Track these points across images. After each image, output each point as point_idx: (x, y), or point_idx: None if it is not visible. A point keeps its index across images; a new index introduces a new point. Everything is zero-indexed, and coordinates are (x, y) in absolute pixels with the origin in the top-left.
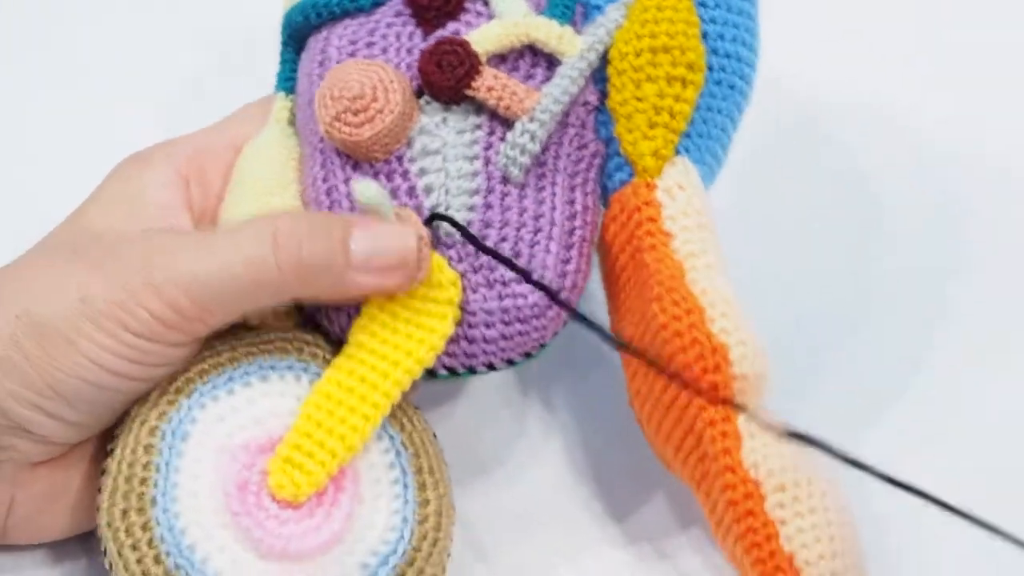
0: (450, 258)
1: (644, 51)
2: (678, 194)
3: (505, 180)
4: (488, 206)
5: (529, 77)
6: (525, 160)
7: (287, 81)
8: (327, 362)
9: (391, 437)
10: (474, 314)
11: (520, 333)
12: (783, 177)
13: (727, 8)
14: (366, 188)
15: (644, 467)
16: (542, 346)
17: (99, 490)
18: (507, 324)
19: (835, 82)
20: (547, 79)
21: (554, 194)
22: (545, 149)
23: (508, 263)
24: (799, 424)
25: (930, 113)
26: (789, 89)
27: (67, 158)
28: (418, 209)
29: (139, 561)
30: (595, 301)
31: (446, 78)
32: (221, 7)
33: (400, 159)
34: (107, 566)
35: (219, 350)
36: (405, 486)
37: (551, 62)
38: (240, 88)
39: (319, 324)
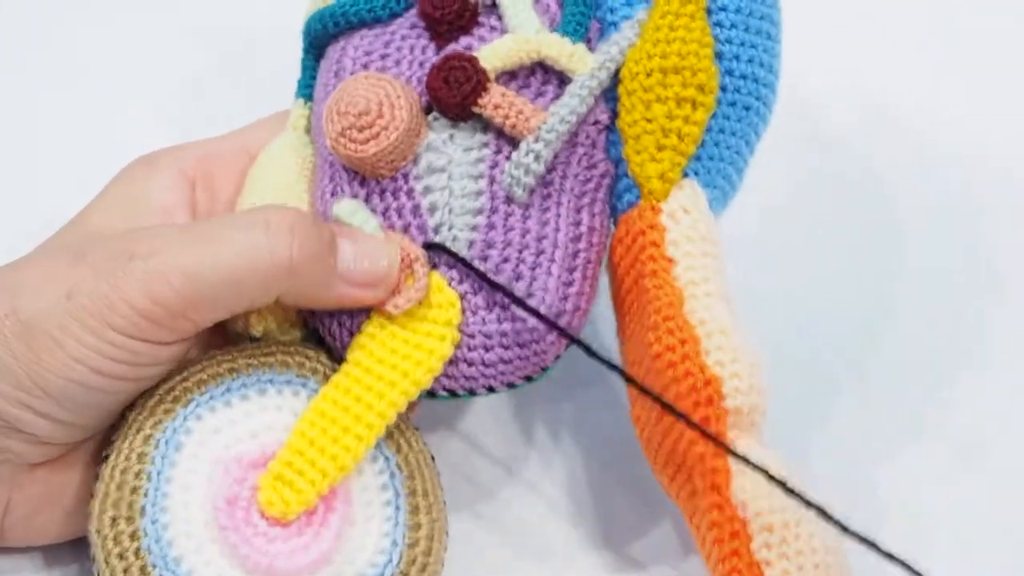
0: (451, 279)
1: (654, 71)
2: (683, 218)
3: (509, 200)
4: (491, 226)
5: (540, 94)
6: (529, 180)
7: (307, 88)
8: (327, 378)
9: (386, 458)
10: (473, 336)
11: (520, 357)
12: (790, 180)
13: (744, 28)
14: (344, 207)
15: (646, 490)
16: (544, 370)
17: (92, 495)
18: (506, 348)
19: (842, 85)
20: (558, 96)
21: (559, 215)
22: (552, 169)
23: (506, 292)
24: (807, 450)
25: (941, 114)
26: (797, 93)
27: (68, 159)
28: (421, 228)
29: (126, 571)
30: (604, 321)
31: (452, 94)
32: (221, 7)
33: (405, 176)
34: (95, 573)
35: (219, 360)
36: (397, 508)
37: (563, 79)
38: (240, 88)
39: (322, 339)
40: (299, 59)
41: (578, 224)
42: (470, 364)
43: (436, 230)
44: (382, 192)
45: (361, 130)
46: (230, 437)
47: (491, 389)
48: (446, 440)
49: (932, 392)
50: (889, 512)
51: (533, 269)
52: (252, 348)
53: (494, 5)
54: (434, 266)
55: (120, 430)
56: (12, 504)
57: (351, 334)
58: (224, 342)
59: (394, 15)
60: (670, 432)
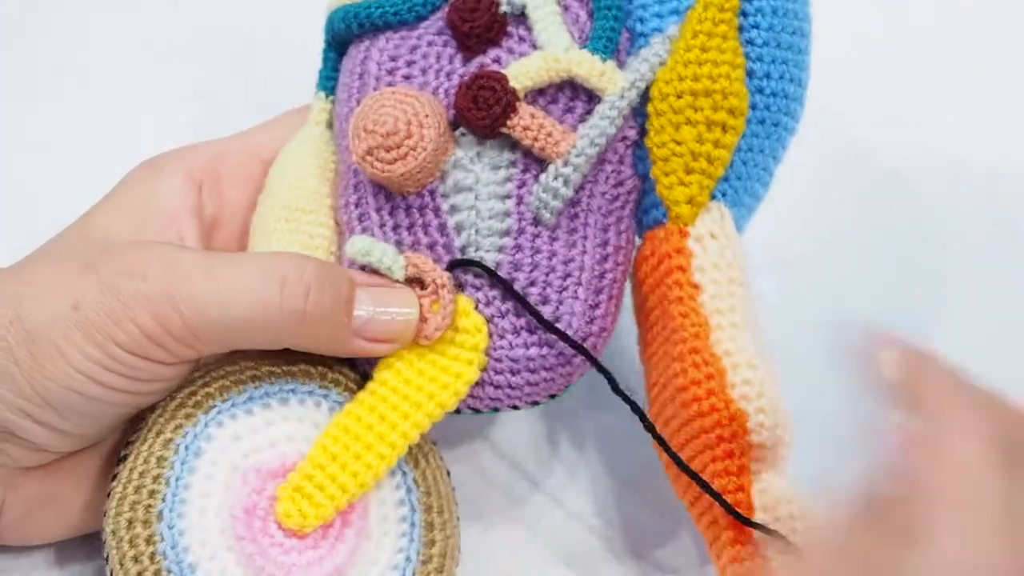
0: (477, 301)
1: (685, 93)
2: (710, 244)
3: (536, 222)
4: (518, 248)
5: (568, 111)
6: (558, 204)
7: (328, 80)
8: (349, 391)
9: (404, 473)
10: (500, 360)
11: (546, 380)
12: (829, 210)
13: (776, 45)
14: (358, 247)
15: (669, 502)
16: (567, 386)
17: (107, 495)
18: (533, 372)
19: (881, 116)
20: (587, 112)
21: (586, 237)
22: (579, 188)
23: (534, 313)
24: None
25: (982, 140)
26: (835, 123)
27: (68, 160)
28: (447, 247)
29: (139, 574)
30: (627, 334)
31: (481, 116)
32: (222, 7)
33: (432, 193)
34: (108, 573)
35: (242, 367)
36: (412, 524)
37: (592, 95)
38: (240, 88)
39: None
40: (305, 61)
41: (605, 244)
42: (497, 387)
43: (463, 251)
44: (408, 208)
45: (388, 150)
46: (250, 446)
47: (515, 407)
48: (473, 449)
49: None
50: None
51: (560, 292)
52: (276, 356)
53: (523, 15)
54: (460, 287)
55: (139, 431)
56: (7, 505)
57: None
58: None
59: (420, 17)
60: (691, 462)
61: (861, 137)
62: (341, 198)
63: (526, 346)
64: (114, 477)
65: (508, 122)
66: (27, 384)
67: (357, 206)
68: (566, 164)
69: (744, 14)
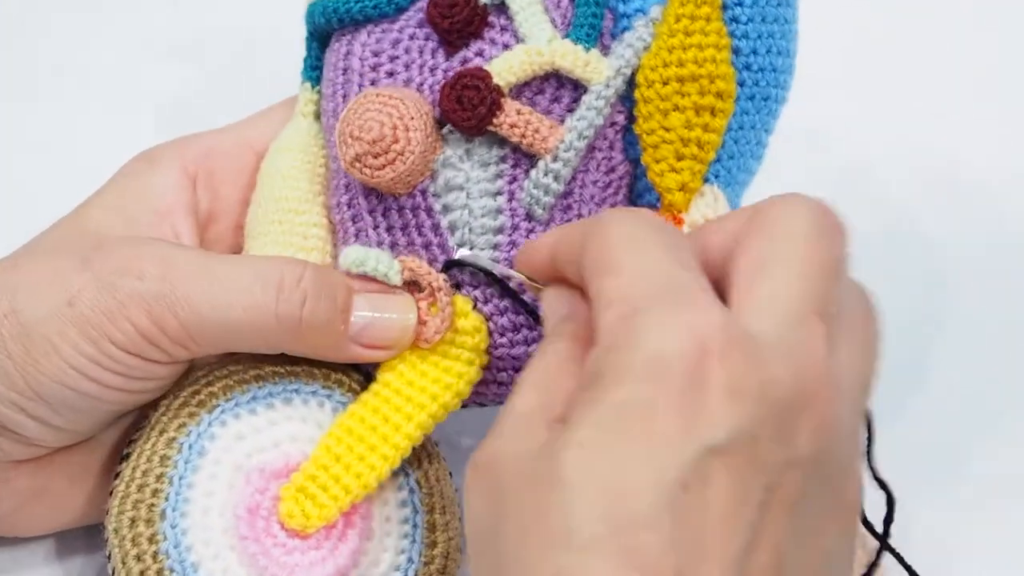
0: (475, 299)
1: (671, 80)
2: None
3: (530, 217)
4: (513, 244)
5: (555, 100)
6: (549, 199)
7: (312, 70)
8: (353, 391)
9: (406, 474)
10: (502, 358)
11: None
12: None
13: (761, 20)
14: (351, 258)
15: None
16: None
17: (110, 492)
18: None
19: (884, 138)
20: (574, 100)
21: None
22: (571, 179)
23: (531, 312)
24: None
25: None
26: (837, 146)
27: (68, 160)
28: (442, 247)
29: (142, 573)
30: None
31: (467, 117)
32: (222, 7)
33: (424, 193)
34: (110, 570)
35: (246, 367)
36: (415, 525)
37: (577, 84)
38: (240, 88)
39: None
40: (299, 60)
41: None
42: (500, 384)
43: (457, 250)
44: (400, 209)
45: (376, 156)
46: (253, 445)
47: None
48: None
49: (972, 429)
50: (922, 550)
51: None
52: (279, 356)
53: (503, 4)
54: (457, 287)
55: (142, 429)
56: None
57: None
58: None
59: (400, 9)
60: None
61: (859, 144)
62: (333, 197)
63: (527, 343)
64: (117, 475)
65: (494, 120)
66: (20, 378)
67: (349, 207)
68: (555, 159)
69: None
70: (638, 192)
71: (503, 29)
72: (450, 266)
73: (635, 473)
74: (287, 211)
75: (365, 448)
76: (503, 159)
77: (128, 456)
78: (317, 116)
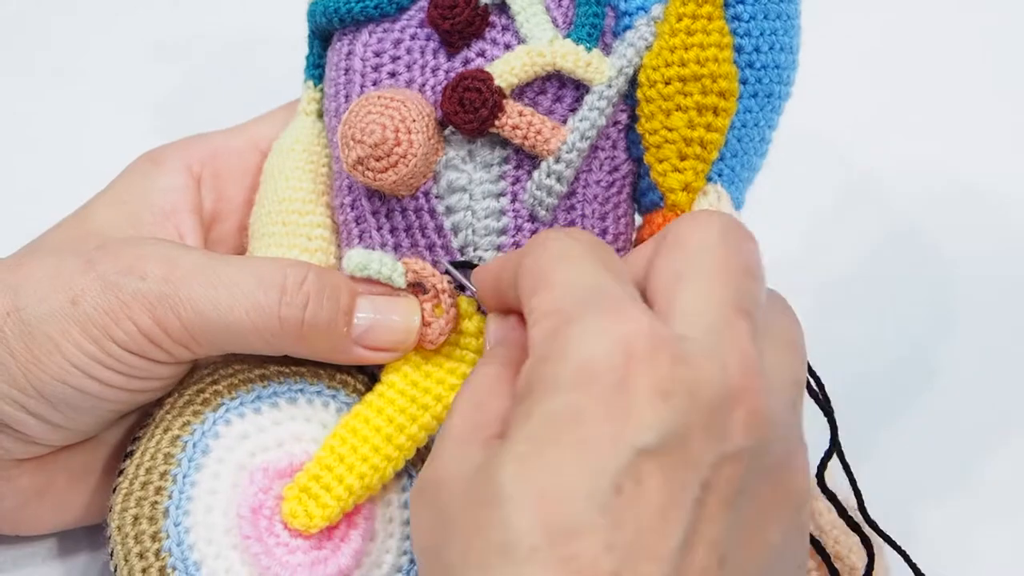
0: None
1: (673, 80)
2: None
3: (533, 218)
4: (516, 246)
5: (557, 100)
6: (552, 200)
7: (315, 68)
8: (357, 392)
9: (410, 476)
10: None
11: None
12: (845, 240)
13: (764, 17)
14: (355, 261)
15: None
16: None
17: (113, 490)
18: None
19: (892, 144)
20: (576, 99)
21: (583, 228)
22: (574, 180)
23: None
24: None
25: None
26: (845, 151)
27: (68, 160)
28: (446, 248)
29: (144, 571)
30: None
31: (469, 119)
32: (222, 7)
33: (427, 195)
34: (112, 568)
35: (251, 365)
36: None
37: (579, 83)
38: (241, 88)
39: None
40: (299, 63)
41: (604, 233)
42: None
43: (461, 251)
44: (403, 210)
45: (378, 159)
46: (257, 445)
47: None
48: None
49: (979, 434)
50: (930, 553)
51: None
52: (285, 356)
53: (504, 4)
54: (461, 288)
55: (146, 427)
56: (1, 495)
57: None
58: None
59: (401, 8)
60: None
61: (866, 148)
62: (336, 198)
63: None
64: (120, 472)
65: (496, 122)
66: (22, 376)
67: (353, 208)
68: (558, 160)
69: None
70: (641, 191)
71: (504, 29)
72: (456, 265)
73: (569, 481)
74: (291, 212)
75: (369, 449)
76: (506, 160)
77: (132, 454)
78: (320, 114)
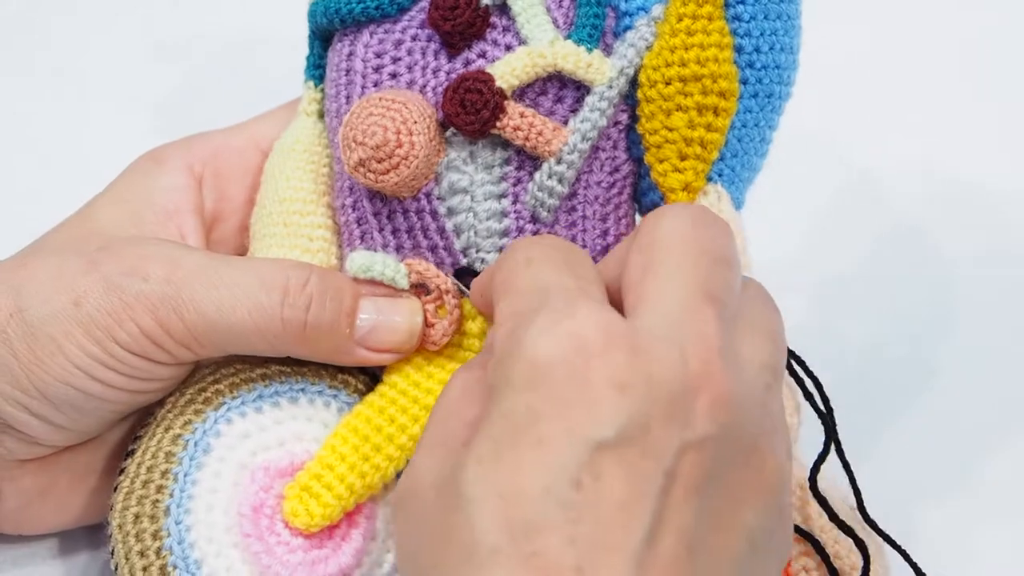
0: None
1: (673, 80)
2: None
3: (535, 220)
4: None
5: (558, 101)
6: (554, 202)
7: (315, 69)
8: (359, 392)
9: None
10: None
11: None
12: (844, 239)
13: (764, 17)
14: (358, 263)
15: None
16: None
17: (114, 488)
18: None
19: (891, 144)
20: (577, 100)
21: (584, 230)
22: (575, 181)
23: None
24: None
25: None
26: (844, 151)
27: (68, 160)
28: (448, 250)
29: (145, 569)
30: None
31: (470, 121)
32: (222, 7)
33: (428, 196)
34: (113, 566)
35: (252, 365)
36: None
37: (580, 84)
38: (241, 88)
39: None
40: (299, 63)
41: (605, 234)
42: None
43: (464, 253)
44: (405, 212)
45: (380, 161)
46: (258, 444)
47: None
48: None
49: (979, 434)
50: (938, 556)
51: None
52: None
53: (505, 4)
54: (464, 292)
55: (147, 426)
56: (4, 495)
57: None
58: None
59: (402, 9)
60: None
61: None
62: (337, 199)
63: None
64: (122, 471)
65: (497, 123)
66: (25, 377)
67: (354, 209)
68: (559, 162)
69: None
70: (642, 191)
71: (505, 30)
72: (460, 273)
73: (528, 479)
74: (292, 213)
75: (370, 448)
76: (507, 162)
77: (133, 453)
78: (320, 115)
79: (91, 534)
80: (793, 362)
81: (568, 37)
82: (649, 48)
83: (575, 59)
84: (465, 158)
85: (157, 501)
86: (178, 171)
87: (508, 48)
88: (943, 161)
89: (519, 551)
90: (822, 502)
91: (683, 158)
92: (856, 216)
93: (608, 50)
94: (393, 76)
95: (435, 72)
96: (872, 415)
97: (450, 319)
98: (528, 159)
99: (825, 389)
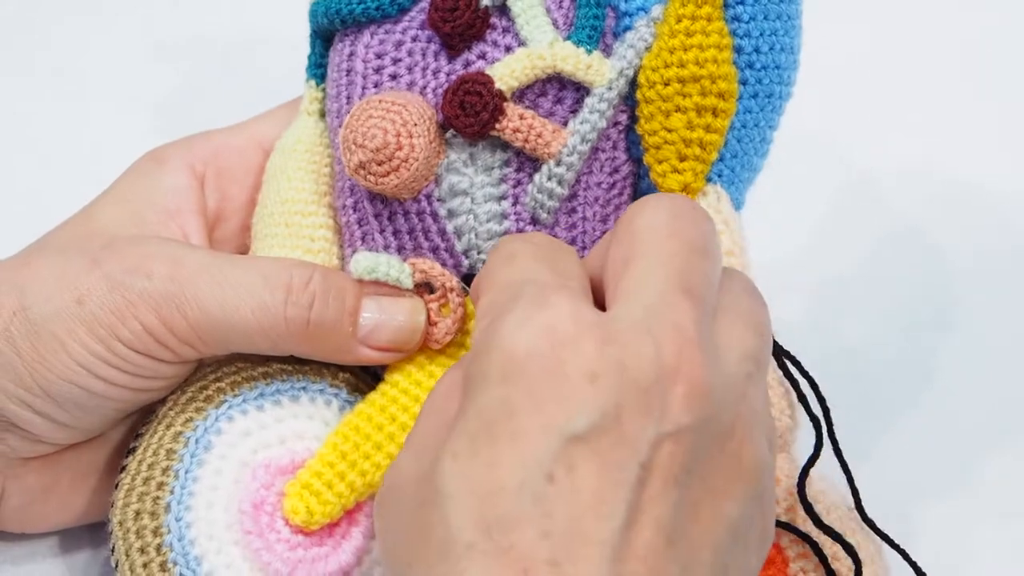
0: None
1: (672, 81)
2: None
3: (534, 221)
4: None
5: (558, 102)
6: (553, 204)
7: (317, 68)
8: (360, 390)
9: None
10: None
11: None
12: (844, 240)
13: (764, 18)
14: (361, 265)
15: None
16: None
17: (116, 485)
18: None
19: (891, 145)
20: (577, 101)
21: (584, 231)
22: (575, 182)
23: None
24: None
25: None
26: (844, 151)
27: (68, 160)
28: (450, 251)
29: (145, 566)
30: None
31: (470, 123)
32: (221, 7)
33: (429, 198)
34: (113, 563)
35: (254, 364)
36: None
37: (580, 85)
38: (241, 88)
39: None
40: (299, 63)
41: (605, 235)
42: None
43: (465, 254)
44: (406, 214)
45: (380, 163)
46: (259, 441)
47: None
48: None
49: (979, 434)
50: (937, 556)
51: None
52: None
53: (505, 6)
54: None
55: (149, 424)
56: (7, 493)
57: None
58: None
59: (403, 10)
60: None
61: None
62: (338, 199)
63: None
64: (123, 468)
65: (497, 125)
66: (28, 375)
67: (355, 210)
68: (559, 163)
69: None
70: (642, 192)
71: (505, 31)
72: (465, 279)
73: (502, 473)
74: (293, 213)
75: (371, 446)
76: (507, 163)
77: (134, 450)
78: (322, 114)
79: (93, 532)
80: (788, 362)
81: (568, 38)
82: (648, 49)
83: (574, 60)
84: (465, 160)
85: (158, 498)
86: (180, 171)
87: (508, 49)
88: (943, 162)
89: (493, 545)
90: (807, 507)
91: (682, 159)
92: (856, 217)
93: (608, 51)
94: (393, 77)
95: (435, 73)
96: (871, 415)
97: (453, 318)
98: (528, 161)
99: (824, 389)
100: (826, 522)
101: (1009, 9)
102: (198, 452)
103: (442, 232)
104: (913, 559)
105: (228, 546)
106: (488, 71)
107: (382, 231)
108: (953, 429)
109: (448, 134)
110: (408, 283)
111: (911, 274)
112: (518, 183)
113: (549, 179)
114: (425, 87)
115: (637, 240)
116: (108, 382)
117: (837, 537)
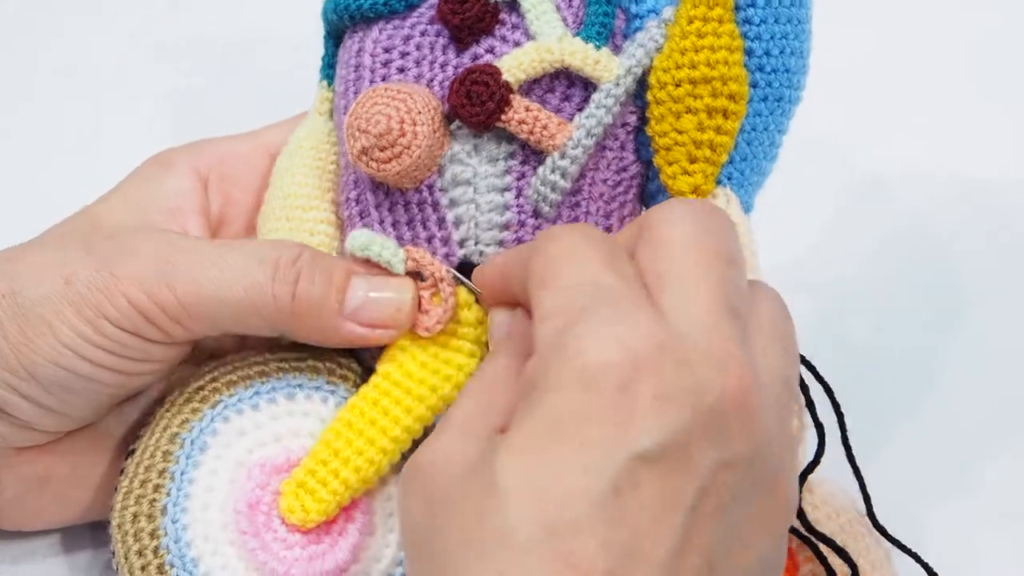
0: (479, 293)
1: (683, 82)
2: None
3: (537, 214)
4: (518, 241)
5: (565, 99)
6: (556, 196)
7: (330, 68)
8: (356, 387)
9: None
10: None
11: None
12: (849, 241)
13: (775, 21)
14: (358, 241)
15: None
16: None
17: (115, 488)
18: None
19: (899, 146)
20: (584, 99)
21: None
22: (580, 177)
23: None
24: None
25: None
26: (854, 156)
27: (68, 160)
28: (445, 241)
29: (144, 568)
30: None
31: (475, 112)
32: (221, 8)
33: (431, 188)
34: (114, 566)
35: (250, 363)
36: None
37: (588, 83)
38: (240, 88)
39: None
40: (305, 60)
41: (608, 232)
42: None
43: (462, 244)
44: (407, 204)
45: (383, 149)
46: (255, 441)
47: None
48: None
49: (985, 434)
50: (942, 557)
51: None
52: (284, 351)
53: (515, 2)
54: (462, 280)
55: (147, 425)
56: (2, 483)
57: (381, 346)
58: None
59: (411, 6)
60: None
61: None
62: (342, 193)
63: None
64: (123, 471)
65: (503, 116)
66: (14, 358)
67: (357, 202)
68: (563, 157)
69: None
70: (650, 193)
71: (514, 27)
72: (459, 268)
73: (568, 479)
74: (295, 207)
75: (364, 442)
76: (511, 155)
77: (133, 452)
78: (331, 114)
79: (94, 532)
80: (803, 367)
81: (577, 35)
82: (659, 49)
83: (582, 55)
84: (469, 151)
85: (154, 500)
86: (184, 174)
87: (517, 44)
88: (950, 164)
89: (554, 547)
90: (799, 515)
91: (692, 161)
92: (863, 218)
93: (617, 51)
94: (401, 71)
95: (443, 66)
96: (879, 417)
97: (444, 307)
98: (533, 154)
99: (833, 391)
100: (834, 526)
101: (1013, 11)
102: (193, 453)
103: (441, 221)
104: (925, 561)
105: (224, 547)
106: (496, 63)
107: (382, 222)
108: (960, 430)
109: (453, 126)
110: (399, 268)
111: (917, 275)
112: (522, 175)
113: (552, 171)
114: (432, 80)
115: (668, 252)
116: (95, 363)
117: (830, 543)
